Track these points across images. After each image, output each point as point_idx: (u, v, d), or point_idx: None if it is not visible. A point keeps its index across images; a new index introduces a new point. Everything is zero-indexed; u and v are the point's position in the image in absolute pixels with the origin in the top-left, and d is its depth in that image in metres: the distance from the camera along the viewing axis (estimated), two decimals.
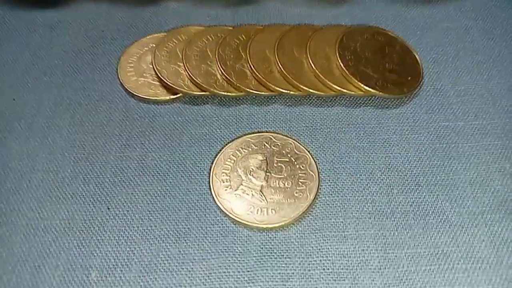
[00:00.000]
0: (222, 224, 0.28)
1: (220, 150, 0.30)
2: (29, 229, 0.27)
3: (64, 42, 0.36)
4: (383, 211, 0.28)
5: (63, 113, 0.32)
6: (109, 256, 0.26)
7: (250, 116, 0.32)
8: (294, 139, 0.31)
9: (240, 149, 0.30)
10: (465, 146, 0.30)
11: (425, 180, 0.29)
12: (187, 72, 0.33)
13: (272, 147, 0.30)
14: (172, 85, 0.33)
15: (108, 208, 0.28)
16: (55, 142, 0.31)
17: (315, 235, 0.27)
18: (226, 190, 0.28)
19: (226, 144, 0.30)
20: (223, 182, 0.29)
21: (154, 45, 0.35)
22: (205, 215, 0.28)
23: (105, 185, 0.29)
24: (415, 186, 0.29)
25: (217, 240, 0.27)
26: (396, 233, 0.27)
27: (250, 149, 0.30)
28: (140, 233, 0.27)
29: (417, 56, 0.34)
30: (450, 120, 0.32)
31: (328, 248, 0.26)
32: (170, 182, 0.29)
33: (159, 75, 0.33)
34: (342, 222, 0.27)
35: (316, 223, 0.27)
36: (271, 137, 0.31)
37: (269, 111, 0.33)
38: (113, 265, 0.26)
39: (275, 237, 0.27)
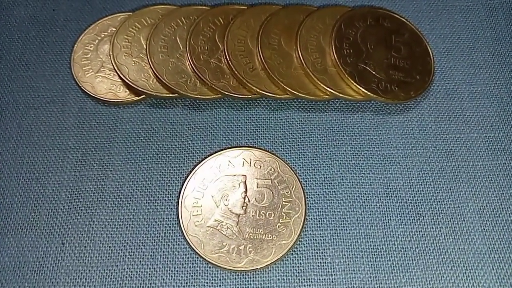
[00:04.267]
0: (192, 264, 0.24)
1: (191, 171, 0.26)
2: None
3: (9, 27, 0.30)
4: (378, 249, 0.24)
5: (9, 120, 0.28)
6: None
7: (227, 124, 0.28)
8: (278, 156, 0.26)
9: (215, 168, 0.26)
10: (477, 166, 0.26)
11: (428, 208, 0.25)
12: (152, 69, 0.28)
13: (253, 166, 0.26)
14: (134, 85, 0.27)
15: (63, 243, 0.25)
16: (1, 157, 0.27)
17: (299, 279, 0.24)
18: (197, 223, 0.24)
19: (198, 163, 0.26)
20: (194, 214, 0.25)
21: (114, 29, 0.29)
22: (173, 252, 0.24)
23: (59, 213, 0.25)
24: (416, 216, 0.25)
25: (186, 283, 0.24)
26: (391, 276, 0.24)
27: (227, 170, 0.26)
28: (99, 274, 0.24)
29: (428, 47, 0.29)
30: (462, 131, 0.27)
31: None
32: (134, 209, 0.25)
33: (119, 72, 0.28)
34: (330, 262, 0.24)
35: (300, 264, 0.24)
36: (252, 153, 0.26)
37: (250, 118, 0.28)
38: None
39: (253, 281, 0.24)
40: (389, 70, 0.28)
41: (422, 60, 0.28)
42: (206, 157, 0.26)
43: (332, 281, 0.23)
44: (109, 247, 0.24)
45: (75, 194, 0.26)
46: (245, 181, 0.25)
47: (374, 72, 0.27)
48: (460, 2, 0.30)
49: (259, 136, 0.27)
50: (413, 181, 0.26)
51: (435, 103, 0.28)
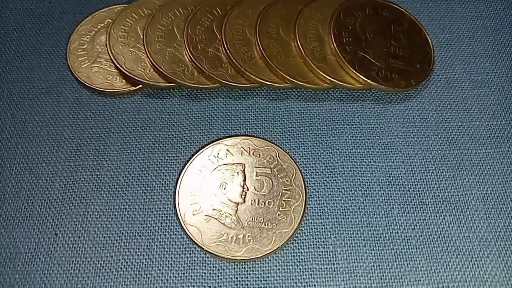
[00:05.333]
0: (190, 254, 0.23)
1: (189, 160, 0.25)
2: None
3: (4, 19, 0.30)
4: (381, 237, 0.24)
5: (3, 111, 0.27)
6: None
7: (225, 113, 0.27)
8: (277, 145, 0.26)
9: (213, 157, 0.25)
10: (479, 153, 0.26)
11: (431, 196, 0.24)
12: (149, 58, 0.27)
13: (252, 154, 0.25)
14: (131, 74, 0.27)
15: (56, 234, 0.24)
16: None
17: (300, 268, 0.23)
18: (194, 212, 0.24)
19: (196, 152, 0.25)
20: (192, 203, 0.24)
21: (110, 21, 0.29)
22: (170, 242, 0.24)
23: (53, 203, 0.24)
24: (419, 205, 0.24)
25: (184, 273, 0.23)
26: (395, 265, 0.23)
27: (225, 158, 0.25)
28: (93, 265, 0.23)
29: (428, 37, 0.28)
30: (463, 119, 0.26)
31: (315, 284, 0.22)
32: (129, 199, 0.25)
33: (115, 61, 0.27)
34: (331, 251, 0.23)
35: (300, 253, 0.23)
36: (251, 142, 0.26)
37: (248, 107, 0.27)
38: None
39: (253, 270, 0.23)
40: (389, 58, 0.27)
41: (422, 49, 0.28)
42: (203, 146, 0.26)
43: (334, 270, 0.23)
44: (104, 237, 0.24)
45: (70, 184, 0.25)
46: (244, 170, 0.25)
47: (373, 60, 0.27)
48: None
49: (258, 126, 0.27)
50: (415, 169, 0.25)
51: (436, 92, 0.27)
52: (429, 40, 0.28)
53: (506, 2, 0.30)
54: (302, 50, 0.27)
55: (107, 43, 0.28)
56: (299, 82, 0.27)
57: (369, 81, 0.26)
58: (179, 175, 0.25)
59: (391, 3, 0.29)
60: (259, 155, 0.25)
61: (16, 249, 0.23)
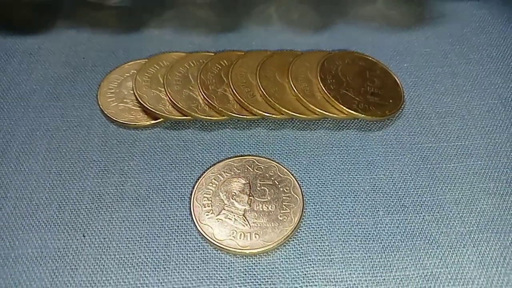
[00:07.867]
0: (203, 250, 0.26)
1: (202, 175, 0.29)
2: None
3: (44, 69, 0.36)
4: (370, 233, 0.27)
5: (39, 138, 0.31)
6: (83, 286, 0.25)
7: (232, 140, 0.32)
8: (277, 162, 0.30)
9: (222, 173, 0.29)
10: (449, 167, 0.30)
11: (411, 201, 0.28)
12: (169, 97, 0.33)
13: (255, 170, 0.30)
14: (153, 110, 0.32)
15: (84, 236, 0.27)
16: (30, 168, 0.30)
17: (300, 260, 0.26)
18: (207, 215, 0.27)
19: (208, 168, 0.30)
20: (205, 207, 0.28)
21: (135, 71, 0.35)
22: (185, 241, 0.27)
23: (81, 211, 0.28)
24: (401, 207, 0.28)
25: (198, 267, 0.26)
26: (384, 256, 0.26)
27: (233, 173, 0.29)
28: (116, 261, 0.26)
29: (397, 80, 0.35)
30: (432, 141, 0.31)
31: (314, 273, 0.25)
32: (149, 207, 0.28)
33: (140, 100, 0.33)
34: (327, 245, 0.26)
35: (301, 247, 0.26)
36: (254, 160, 0.30)
37: (251, 135, 0.32)
38: None
39: (259, 263, 0.26)
40: (366, 95, 0.33)
41: (393, 89, 0.34)
42: (214, 164, 0.30)
43: (331, 261, 0.26)
44: (127, 238, 0.27)
45: (97, 196, 0.29)
46: (249, 182, 0.29)
47: (353, 96, 0.33)
48: (420, 49, 0.37)
49: (260, 151, 0.31)
50: (395, 180, 0.29)
51: (408, 121, 0.33)
52: (399, 83, 0.34)
53: (459, 54, 0.37)
54: (294, 89, 0.33)
55: (133, 85, 0.33)
56: (293, 114, 0.32)
57: (351, 111, 0.32)
58: (193, 187, 0.29)
59: (365, 56, 0.36)
60: (262, 170, 0.29)
61: (47, 248, 0.26)
